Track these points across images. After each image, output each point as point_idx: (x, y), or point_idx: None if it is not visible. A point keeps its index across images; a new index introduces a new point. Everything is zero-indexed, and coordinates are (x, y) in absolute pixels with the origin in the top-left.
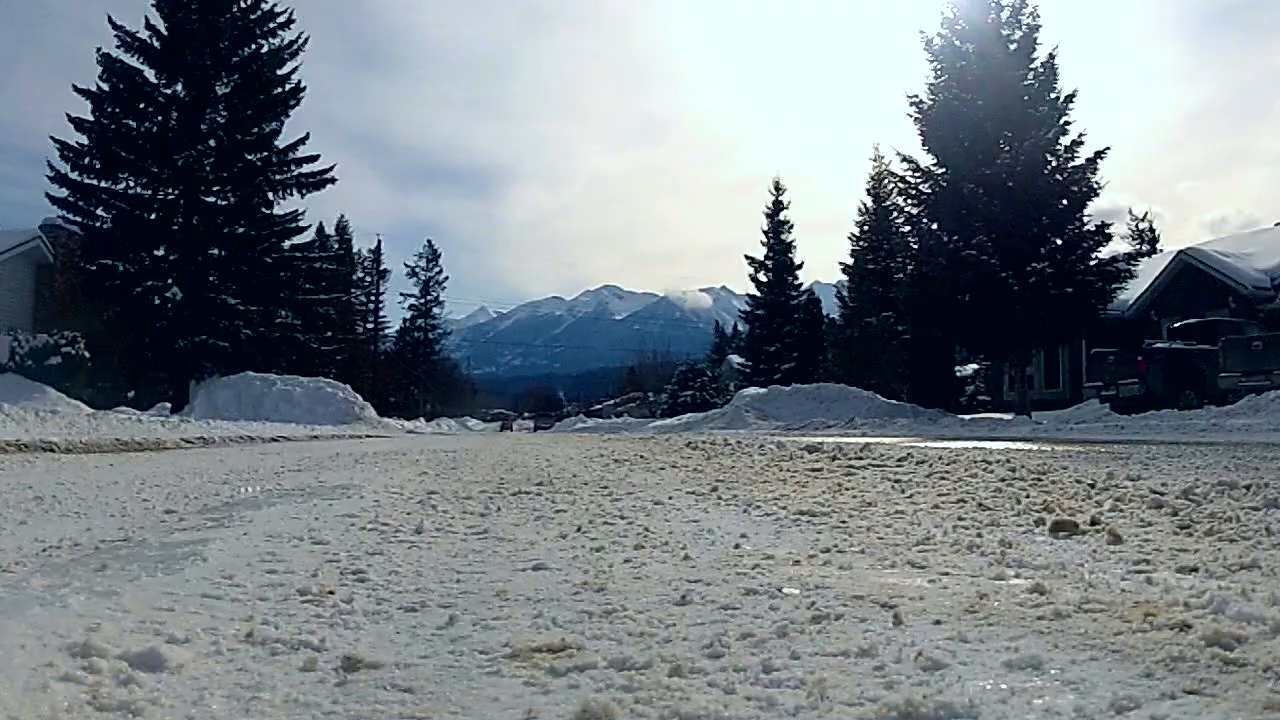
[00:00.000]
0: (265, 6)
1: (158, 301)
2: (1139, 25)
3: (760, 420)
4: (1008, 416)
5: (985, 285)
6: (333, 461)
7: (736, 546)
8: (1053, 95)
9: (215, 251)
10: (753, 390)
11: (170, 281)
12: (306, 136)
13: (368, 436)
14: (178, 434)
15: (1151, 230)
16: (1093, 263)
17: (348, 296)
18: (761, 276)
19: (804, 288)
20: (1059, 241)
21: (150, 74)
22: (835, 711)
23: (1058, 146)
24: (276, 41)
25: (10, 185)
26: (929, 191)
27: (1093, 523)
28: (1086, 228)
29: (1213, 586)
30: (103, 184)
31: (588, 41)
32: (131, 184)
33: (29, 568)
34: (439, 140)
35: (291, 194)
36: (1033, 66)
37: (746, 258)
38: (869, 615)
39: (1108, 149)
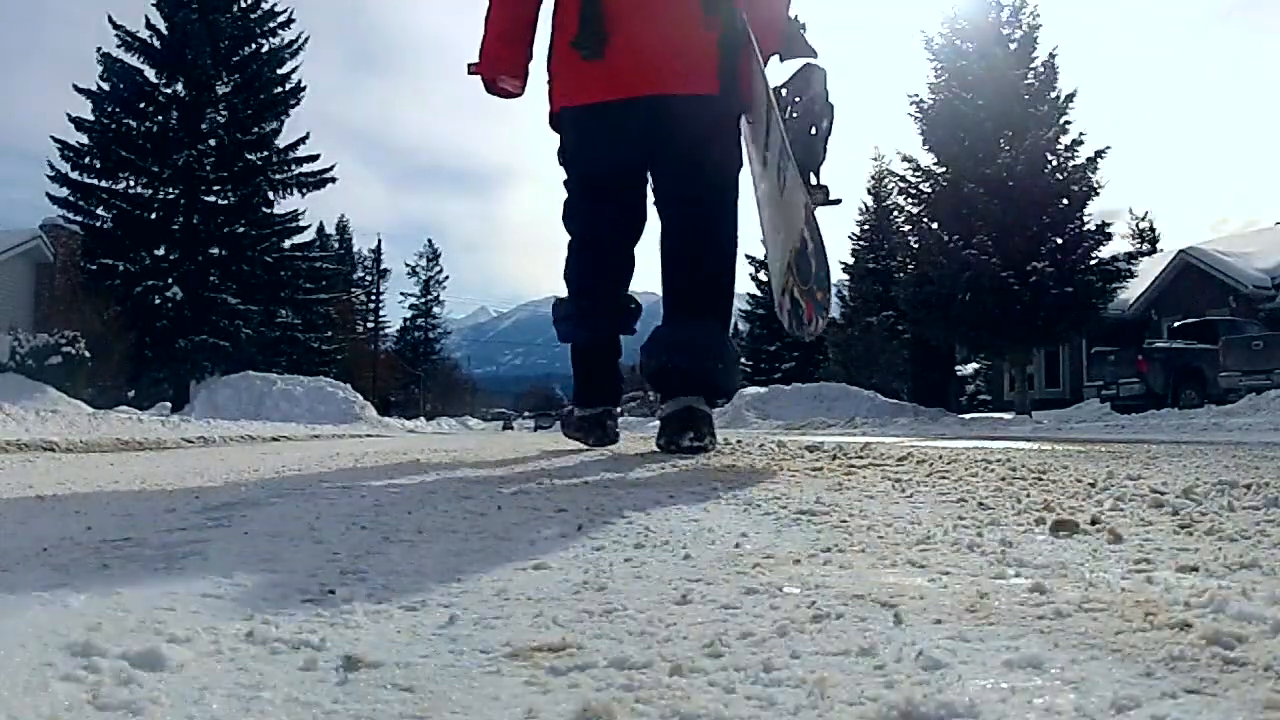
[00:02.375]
0: (265, 6)
1: (158, 301)
2: (1139, 25)
3: (761, 419)
4: (1008, 416)
5: (985, 285)
6: (333, 460)
7: (736, 545)
8: (1053, 95)
9: (215, 251)
10: (753, 389)
11: (170, 281)
12: (306, 136)
13: (368, 436)
14: (178, 433)
15: (1152, 230)
16: (1093, 262)
17: (348, 296)
18: (762, 276)
19: None
20: (1059, 241)
21: (150, 74)
22: (835, 710)
23: (1058, 146)
24: (276, 41)
25: (10, 185)
26: (929, 191)
27: (1093, 522)
28: (1087, 227)
29: (1213, 585)
30: (103, 184)
31: None
32: (132, 184)
33: (29, 567)
34: (439, 140)
35: (291, 194)
36: (1033, 66)
37: (746, 257)
38: (869, 614)
39: (1108, 148)
